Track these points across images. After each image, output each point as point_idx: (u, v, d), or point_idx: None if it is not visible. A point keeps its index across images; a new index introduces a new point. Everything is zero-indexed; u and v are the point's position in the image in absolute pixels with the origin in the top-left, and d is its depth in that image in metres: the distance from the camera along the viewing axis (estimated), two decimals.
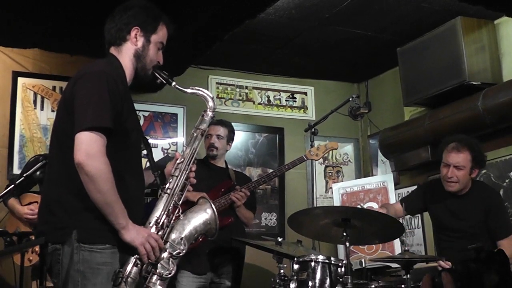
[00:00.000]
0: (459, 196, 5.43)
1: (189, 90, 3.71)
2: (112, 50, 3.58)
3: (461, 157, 5.30)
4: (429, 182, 6.29)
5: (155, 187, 3.82)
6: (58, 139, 3.39)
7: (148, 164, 3.81)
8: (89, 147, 3.11)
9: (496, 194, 5.73)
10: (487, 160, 5.59)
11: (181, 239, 3.44)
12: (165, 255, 3.36)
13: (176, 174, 3.58)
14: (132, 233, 3.24)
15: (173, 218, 3.49)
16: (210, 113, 3.72)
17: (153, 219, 3.41)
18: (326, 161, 8.50)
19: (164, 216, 3.44)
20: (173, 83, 3.66)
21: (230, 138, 6.21)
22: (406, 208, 5.67)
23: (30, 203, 5.61)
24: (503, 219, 5.39)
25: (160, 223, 3.41)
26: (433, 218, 5.71)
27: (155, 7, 3.68)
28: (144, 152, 3.76)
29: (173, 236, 3.44)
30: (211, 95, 3.75)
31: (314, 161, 6.51)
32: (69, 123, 3.24)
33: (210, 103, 3.72)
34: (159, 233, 3.39)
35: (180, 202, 3.55)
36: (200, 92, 3.73)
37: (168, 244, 3.40)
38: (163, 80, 3.65)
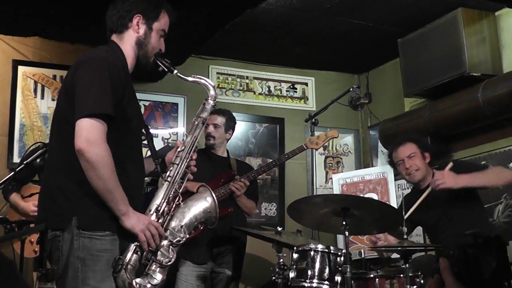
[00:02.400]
0: (426, 189, 5.48)
1: (190, 79, 3.72)
2: (114, 38, 3.59)
3: (407, 147, 5.59)
4: (402, 200, 6.30)
5: (156, 175, 3.83)
6: (59, 126, 3.39)
7: (149, 153, 3.83)
8: (89, 133, 3.12)
9: (456, 163, 5.78)
10: (429, 143, 5.76)
11: (181, 227, 3.44)
12: (165, 242, 3.38)
13: (177, 162, 3.59)
14: (133, 220, 3.25)
15: (174, 206, 3.50)
16: (211, 102, 3.75)
17: (153, 207, 3.42)
18: (326, 152, 8.51)
19: (165, 203, 3.45)
20: (175, 71, 3.67)
21: (229, 126, 6.18)
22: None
23: (31, 195, 5.61)
24: (469, 169, 5.40)
25: (161, 211, 3.42)
26: (420, 223, 5.75)
27: None
28: (145, 140, 3.77)
29: (173, 224, 3.45)
30: (212, 84, 3.78)
31: (314, 150, 6.52)
32: (70, 110, 3.24)
33: (211, 92, 3.74)
34: (159, 220, 3.40)
35: (181, 190, 3.57)
36: (202, 81, 3.75)
37: (168, 231, 3.41)
38: (164, 68, 3.66)
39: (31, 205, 5.55)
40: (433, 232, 5.61)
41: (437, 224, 5.50)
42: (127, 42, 3.56)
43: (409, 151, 5.54)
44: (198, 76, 3.77)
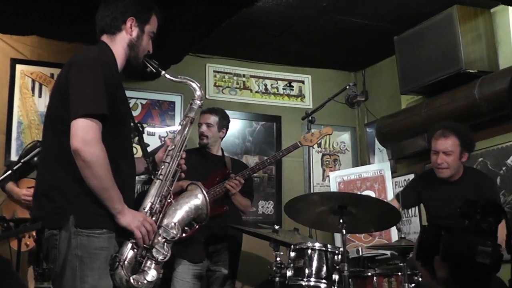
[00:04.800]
0: (451, 183, 5.45)
1: (177, 79, 3.86)
2: (104, 38, 3.63)
3: (449, 143, 5.35)
4: (422, 173, 6.29)
5: (149, 174, 3.87)
6: (53, 124, 3.42)
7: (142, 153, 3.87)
8: (85, 133, 3.16)
9: (488, 180, 5.72)
10: (475, 144, 5.61)
11: (175, 224, 3.50)
12: (159, 239, 3.42)
13: (168, 161, 3.66)
14: (128, 217, 3.29)
15: (165, 203, 3.55)
16: (198, 102, 3.86)
17: (147, 204, 3.47)
18: (323, 149, 8.51)
19: (158, 201, 3.51)
20: (162, 72, 3.79)
21: (222, 125, 6.19)
22: (401, 202, 5.68)
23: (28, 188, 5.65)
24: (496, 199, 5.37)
25: (154, 209, 3.47)
26: (427, 208, 5.73)
27: None
28: (136, 137, 3.83)
29: (166, 221, 3.51)
30: (199, 85, 3.88)
31: (311, 148, 6.53)
32: (64, 109, 3.28)
33: (198, 92, 3.85)
34: (153, 218, 3.44)
35: (172, 188, 3.63)
36: (188, 82, 3.88)
37: (161, 229, 3.46)
38: (153, 69, 3.76)
39: (24, 190, 5.60)
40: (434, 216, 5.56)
41: (439, 213, 5.48)
42: (118, 44, 3.61)
43: (448, 148, 5.33)
44: (185, 77, 3.91)
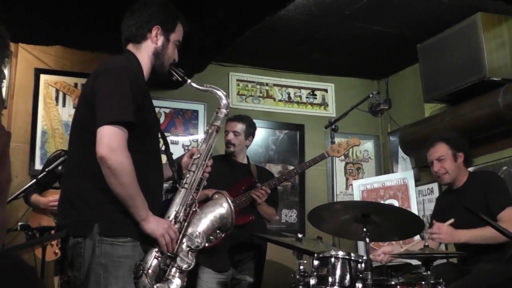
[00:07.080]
0: (458, 190, 5.51)
1: (203, 88, 3.85)
2: (130, 47, 3.65)
3: (437, 149, 5.52)
4: (436, 199, 6.27)
5: (173, 181, 3.88)
6: (78, 133, 3.45)
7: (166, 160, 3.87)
8: (111, 141, 3.17)
9: (491, 173, 5.84)
10: (465, 141, 5.63)
11: (199, 233, 3.49)
12: (184, 248, 3.42)
13: (193, 169, 3.66)
14: (153, 225, 3.30)
15: (190, 212, 3.55)
16: (224, 110, 3.88)
17: (172, 213, 3.48)
18: (347, 158, 8.49)
19: (182, 210, 3.51)
20: (188, 81, 3.78)
21: (249, 133, 6.19)
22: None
23: None
24: (501, 193, 5.34)
25: (178, 217, 3.47)
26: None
27: (172, 5, 3.76)
28: (162, 147, 3.83)
29: (191, 230, 3.50)
30: (224, 93, 3.90)
31: (335, 157, 6.52)
32: (90, 117, 3.29)
33: (224, 101, 3.87)
34: (177, 226, 3.44)
35: (197, 196, 3.62)
36: (214, 90, 3.88)
37: (186, 237, 3.45)
38: (178, 78, 3.76)
39: (49, 197, 5.62)
40: None
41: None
42: (144, 52, 3.63)
43: (438, 154, 5.49)
44: (211, 85, 3.90)
